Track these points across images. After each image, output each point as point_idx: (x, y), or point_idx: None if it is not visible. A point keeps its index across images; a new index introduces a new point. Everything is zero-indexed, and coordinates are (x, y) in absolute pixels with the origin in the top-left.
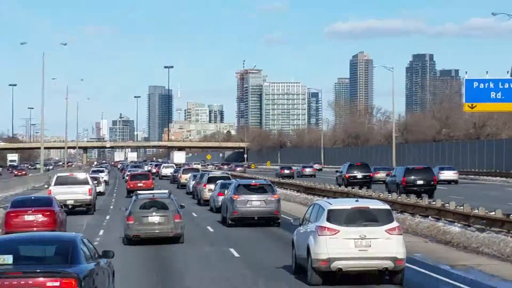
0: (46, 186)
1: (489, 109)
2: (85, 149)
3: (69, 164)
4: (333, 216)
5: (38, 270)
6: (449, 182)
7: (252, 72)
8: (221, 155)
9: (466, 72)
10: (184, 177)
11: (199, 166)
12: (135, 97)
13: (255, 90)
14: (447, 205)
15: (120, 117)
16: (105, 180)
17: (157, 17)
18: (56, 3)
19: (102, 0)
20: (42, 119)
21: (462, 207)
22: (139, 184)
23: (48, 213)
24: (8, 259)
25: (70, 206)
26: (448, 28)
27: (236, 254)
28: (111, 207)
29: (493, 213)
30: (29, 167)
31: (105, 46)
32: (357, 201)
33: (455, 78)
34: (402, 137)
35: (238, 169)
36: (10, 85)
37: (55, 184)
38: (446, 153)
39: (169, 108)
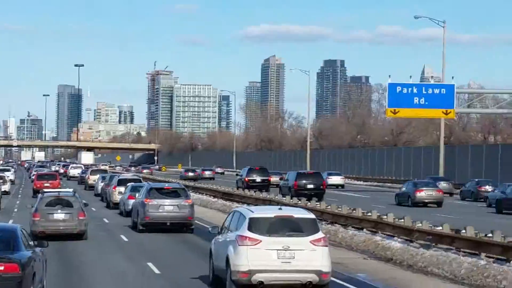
0: None
1: (413, 115)
2: None
3: None
4: (254, 225)
5: None
6: (336, 186)
7: (163, 74)
8: (131, 156)
9: (390, 76)
10: (92, 178)
11: (107, 167)
12: (44, 95)
13: (166, 91)
14: (385, 217)
15: (28, 116)
16: (10, 179)
17: (67, 15)
18: None
19: None
20: None
21: (402, 220)
22: (45, 184)
23: None
24: None
25: None
26: (358, 34)
27: (156, 271)
28: (16, 206)
29: (440, 228)
30: None
31: (13, 42)
32: (280, 209)
33: (365, 84)
34: (317, 143)
35: (144, 171)
36: None
37: None
38: (362, 159)
39: (78, 107)
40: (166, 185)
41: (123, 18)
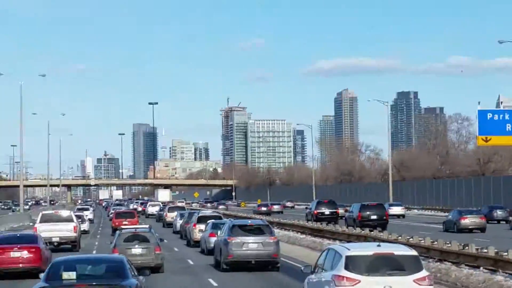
0: (30, 224)
1: (505, 143)
2: (69, 187)
3: (52, 202)
4: (352, 263)
5: (101, 283)
6: (398, 216)
7: (236, 110)
8: (208, 193)
9: (479, 102)
10: (170, 216)
11: (183, 204)
12: (119, 134)
13: (240, 127)
14: (505, 254)
15: (105, 155)
16: (89, 218)
17: (139, 53)
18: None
19: (82, 37)
20: (21, 154)
21: None
22: (124, 222)
23: (34, 249)
24: (73, 275)
25: (55, 244)
26: (430, 66)
27: None
28: (96, 246)
29: None
30: (3, 207)
31: (86, 83)
32: (379, 245)
33: (439, 115)
34: (399, 174)
35: (220, 207)
36: None
37: (40, 222)
38: (448, 190)
39: (154, 145)
40: (249, 221)
41: (194, 55)
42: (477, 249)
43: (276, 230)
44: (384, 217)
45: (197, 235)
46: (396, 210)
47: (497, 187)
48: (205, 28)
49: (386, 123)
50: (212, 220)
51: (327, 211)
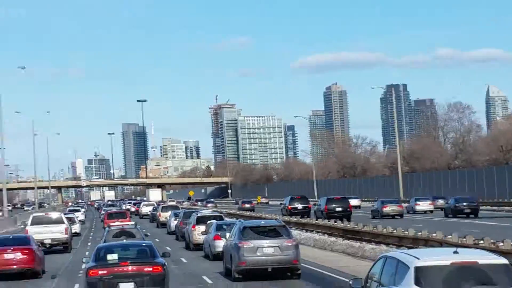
0: (14, 229)
1: None
2: (59, 188)
3: (41, 204)
4: (424, 277)
5: (139, 261)
6: (355, 207)
7: (226, 107)
8: (203, 191)
9: None
10: (164, 215)
11: (174, 203)
12: (108, 134)
13: (230, 124)
14: None
15: (95, 156)
16: (80, 220)
17: (126, 52)
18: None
19: (69, 36)
20: (1, 152)
21: None
22: (116, 223)
23: (27, 251)
24: (116, 256)
25: (47, 245)
26: (417, 58)
27: None
28: (87, 251)
29: None
30: None
31: (73, 82)
32: (456, 252)
33: (430, 106)
34: (408, 166)
35: (209, 205)
36: None
37: (31, 224)
38: (465, 181)
39: (144, 144)
40: (262, 222)
41: (179, 54)
42: None
43: (296, 232)
44: (348, 209)
45: (197, 238)
46: (353, 202)
47: None
48: (187, 28)
49: (376, 117)
50: (214, 221)
51: (300, 206)
